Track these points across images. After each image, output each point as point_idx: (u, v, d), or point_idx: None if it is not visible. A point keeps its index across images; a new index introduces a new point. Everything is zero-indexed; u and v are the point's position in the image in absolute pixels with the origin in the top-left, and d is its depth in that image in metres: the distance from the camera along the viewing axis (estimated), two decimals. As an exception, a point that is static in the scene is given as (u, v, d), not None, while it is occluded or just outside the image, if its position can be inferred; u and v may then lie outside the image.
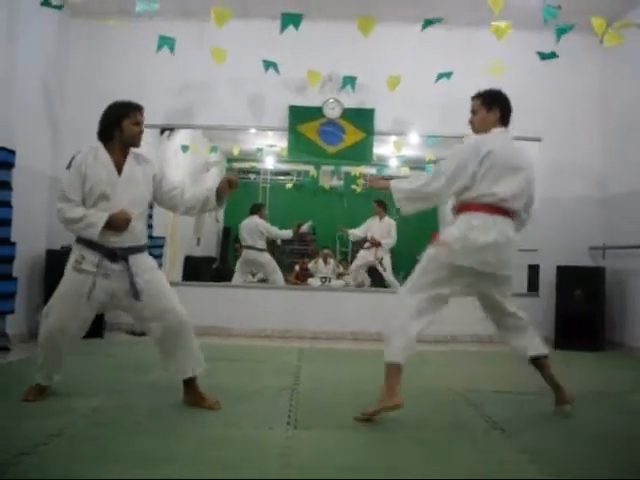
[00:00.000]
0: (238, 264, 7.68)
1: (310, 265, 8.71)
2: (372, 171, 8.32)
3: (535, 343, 3.13)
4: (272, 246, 8.25)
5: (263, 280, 7.82)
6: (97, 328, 5.28)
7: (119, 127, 3.06)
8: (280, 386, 3.63)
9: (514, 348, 3.17)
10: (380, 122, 6.18)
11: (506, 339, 3.18)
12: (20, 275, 5.02)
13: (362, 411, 2.90)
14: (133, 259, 3.04)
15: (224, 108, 6.15)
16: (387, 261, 7.89)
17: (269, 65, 5.79)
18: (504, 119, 3.14)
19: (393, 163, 8.54)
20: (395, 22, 5.85)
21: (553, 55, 5.31)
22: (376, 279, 7.85)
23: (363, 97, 6.15)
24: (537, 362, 3.13)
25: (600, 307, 5.65)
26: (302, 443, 2.55)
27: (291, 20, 5.12)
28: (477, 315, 3.27)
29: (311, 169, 8.54)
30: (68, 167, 3.05)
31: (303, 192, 9.34)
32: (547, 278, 6.02)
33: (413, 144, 6.98)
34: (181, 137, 7.22)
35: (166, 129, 6.54)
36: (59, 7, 5.15)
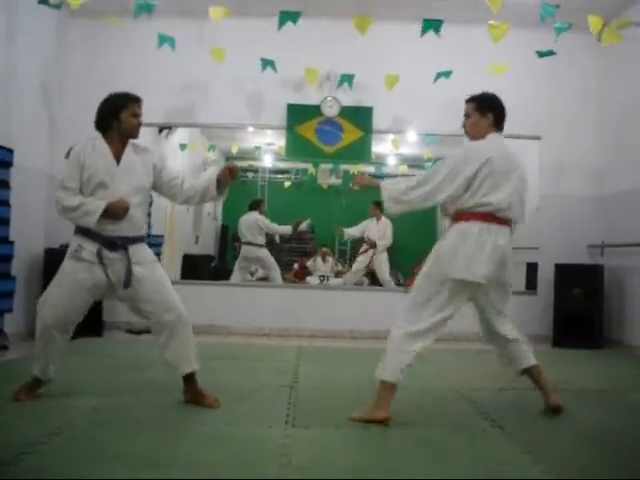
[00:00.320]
0: (237, 262, 7.66)
1: (309, 263, 8.70)
2: (370, 169, 8.31)
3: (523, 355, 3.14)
4: (271, 244, 8.24)
5: (262, 279, 7.81)
6: (96, 327, 5.30)
7: (117, 119, 3.05)
8: (278, 384, 3.63)
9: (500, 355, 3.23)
10: (378, 120, 6.17)
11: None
12: (18, 274, 5.02)
13: (354, 413, 2.89)
14: (133, 249, 3.03)
15: (222, 106, 6.14)
16: (384, 260, 7.91)
17: (267, 63, 5.78)
18: (498, 124, 3.09)
19: (391, 161, 8.52)
20: (393, 20, 5.85)
21: (551, 53, 5.31)
22: (375, 281, 7.93)
23: (361, 95, 6.15)
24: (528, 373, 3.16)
25: (599, 305, 5.66)
26: (301, 442, 2.56)
27: (289, 18, 5.14)
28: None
29: (309, 167, 8.51)
30: (67, 156, 3.05)
31: (301, 190, 9.31)
32: (546, 276, 6.03)
33: (411, 142, 6.97)
34: (179, 136, 7.20)
35: (164, 128, 6.53)
36: (57, 6, 5.14)
